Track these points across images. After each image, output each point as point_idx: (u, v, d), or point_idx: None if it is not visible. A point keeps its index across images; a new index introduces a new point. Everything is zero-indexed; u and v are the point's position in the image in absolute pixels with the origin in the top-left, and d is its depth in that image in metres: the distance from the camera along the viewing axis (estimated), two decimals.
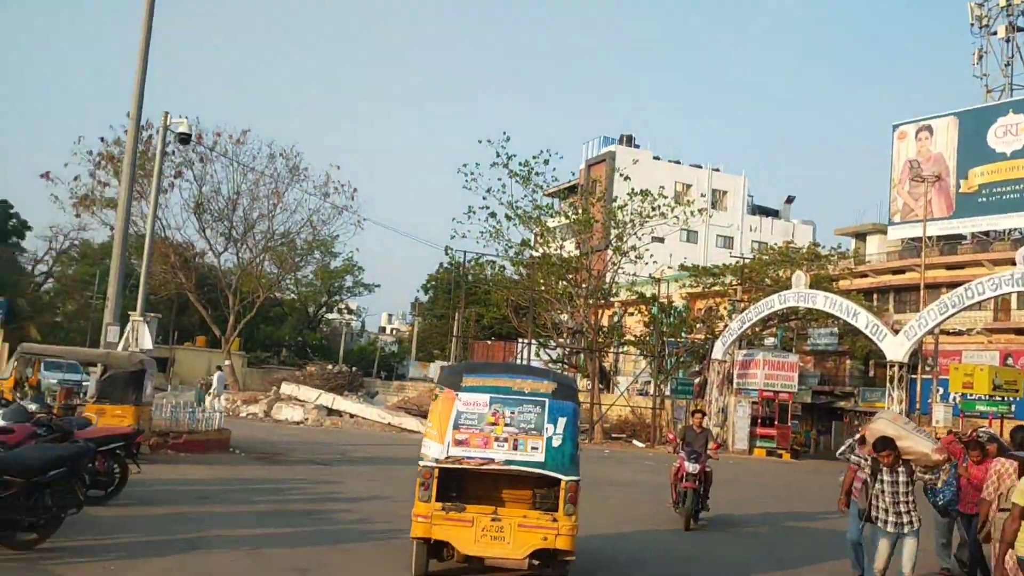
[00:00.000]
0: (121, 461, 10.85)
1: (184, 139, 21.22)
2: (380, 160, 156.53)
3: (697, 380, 35.54)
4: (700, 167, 65.47)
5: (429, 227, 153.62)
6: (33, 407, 11.30)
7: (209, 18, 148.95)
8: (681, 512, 12.45)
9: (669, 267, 42.73)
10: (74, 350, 23.53)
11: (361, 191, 69.00)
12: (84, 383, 24.71)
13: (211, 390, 29.42)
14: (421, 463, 7.80)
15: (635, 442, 32.53)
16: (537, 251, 35.37)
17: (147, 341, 18.06)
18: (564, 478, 7.62)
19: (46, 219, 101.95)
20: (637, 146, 63.57)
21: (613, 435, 33.34)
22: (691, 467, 12.25)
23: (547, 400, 7.85)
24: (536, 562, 7.81)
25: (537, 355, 37.73)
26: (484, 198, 33.58)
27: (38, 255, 57.55)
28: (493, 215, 33.62)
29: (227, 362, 41.39)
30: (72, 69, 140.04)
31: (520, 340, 40.26)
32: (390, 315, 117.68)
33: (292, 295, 63.71)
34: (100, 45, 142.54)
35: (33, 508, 7.79)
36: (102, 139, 38.51)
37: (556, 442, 7.67)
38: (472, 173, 33.16)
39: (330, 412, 31.51)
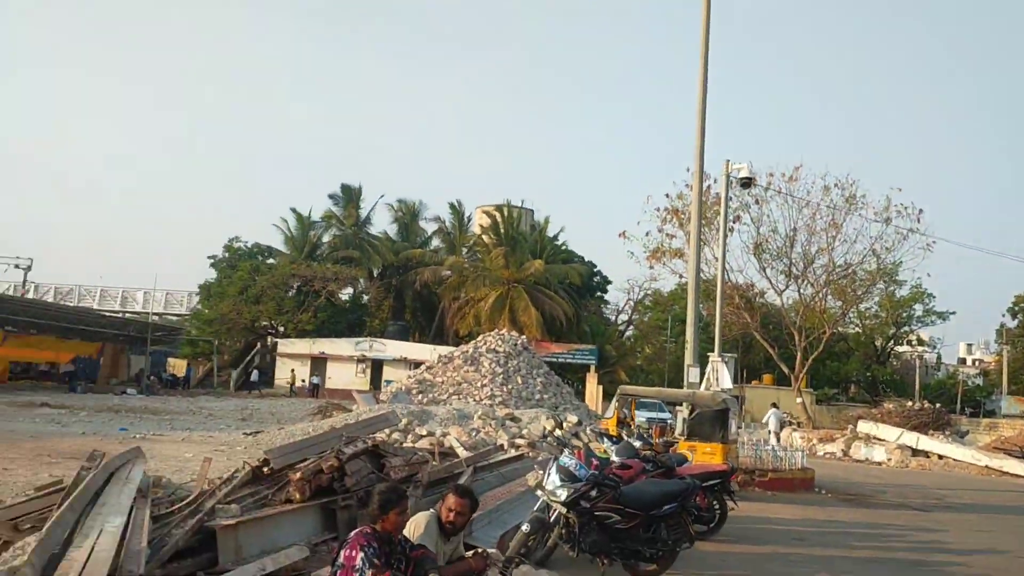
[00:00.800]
0: (719, 497, 11.15)
1: (746, 183, 21.95)
2: (949, 176, 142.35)
3: None
4: None
5: (1015, 241, 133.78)
6: (637, 444, 12.30)
7: (750, 63, 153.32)
8: None
9: None
10: (662, 391, 25.52)
11: (929, 211, 63.76)
12: (668, 421, 26.62)
13: (768, 428, 29.38)
14: None
15: None
16: None
17: (726, 380, 18.81)
18: None
19: (623, 273, 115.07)
20: None
21: None
22: None
23: None
24: None
25: None
26: None
27: (619, 306, 65.93)
28: None
29: (798, 400, 41.44)
30: (642, 138, 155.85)
31: None
32: (969, 345, 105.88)
33: (856, 329, 61.24)
34: (660, 110, 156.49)
35: (651, 540, 8.28)
36: (667, 195, 42.05)
37: None
38: None
39: (914, 452, 29.21)
